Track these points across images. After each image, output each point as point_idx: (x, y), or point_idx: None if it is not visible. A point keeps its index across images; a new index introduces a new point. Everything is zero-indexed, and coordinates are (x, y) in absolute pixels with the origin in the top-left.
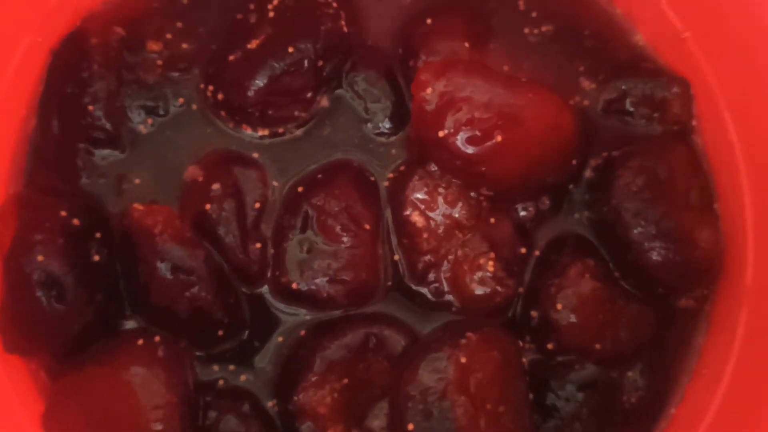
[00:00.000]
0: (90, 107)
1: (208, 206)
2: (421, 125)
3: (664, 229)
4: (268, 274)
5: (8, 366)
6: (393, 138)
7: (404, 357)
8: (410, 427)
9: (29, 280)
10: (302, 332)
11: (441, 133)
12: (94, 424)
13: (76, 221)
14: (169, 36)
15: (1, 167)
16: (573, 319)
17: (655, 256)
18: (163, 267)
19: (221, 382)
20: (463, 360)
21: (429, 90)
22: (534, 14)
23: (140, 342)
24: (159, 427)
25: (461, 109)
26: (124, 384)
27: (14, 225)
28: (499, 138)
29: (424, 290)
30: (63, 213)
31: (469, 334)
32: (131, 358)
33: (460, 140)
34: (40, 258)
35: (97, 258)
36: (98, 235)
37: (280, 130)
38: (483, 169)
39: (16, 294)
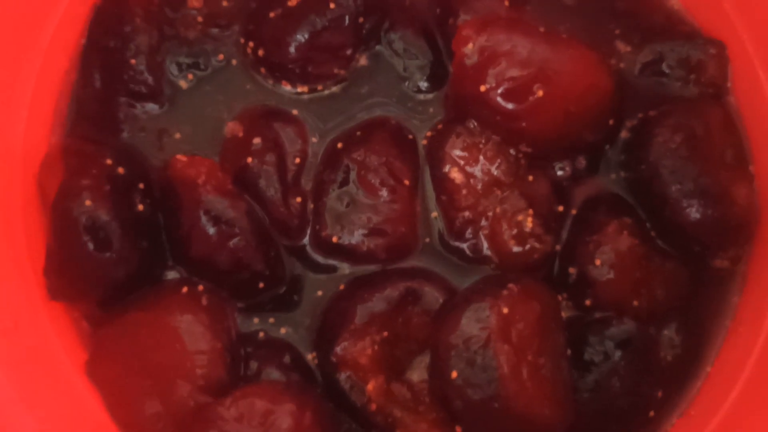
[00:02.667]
0: (132, 61)
1: (249, 159)
2: (461, 81)
3: (702, 185)
4: (308, 228)
5: (51, 314)
6: (431, 96)
7: (444, 308)
8: (453, 374)
9: (76, 225)
10: (342, 286)
11: (482, 88)
12: (138, 370)
13: (121, 170)
14: None
15: (44, 120)
16: (611, 275)
17: (692, 213)
18: (205, 218)
19: (261, 334)
20: (505, 310)
21: (470, 45)
22: None
23: (184, 290)
24: (204, 371)
25: (502, 64)
26: (170, 329)
27: (60, 173)
28: (540, 93)
29: (463, 246)
30: (108, 161)
31: (510, 285)
32: (177, 305)
33: (501, 95)
34: (87, 203)
35: (140, 207)
36: (141, 185)
37: (319, 87)
38: (523, 124)
39: (62, 240)
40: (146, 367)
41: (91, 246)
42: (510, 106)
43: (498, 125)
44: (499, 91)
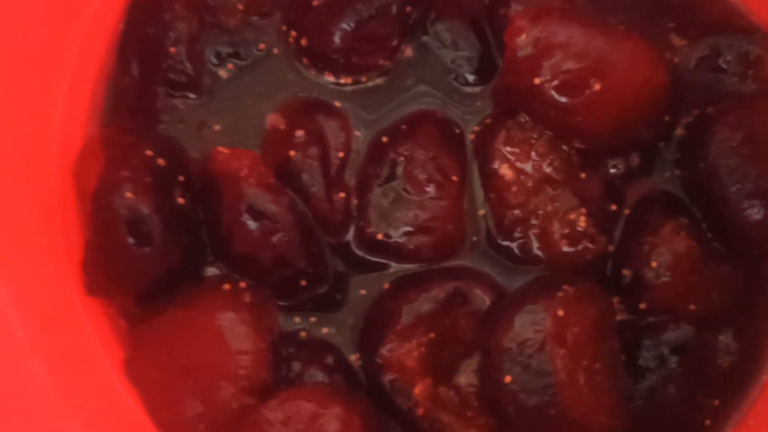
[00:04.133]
0: (171, 49)
1: (292, 153)
2: (513, 73)
3: (763, 186)
4: (352, 225)
5: (89, 310)
6: (478, 89)
7: (495, 309)
8: (507, 379)
9: (117, 218)
10: (386, 285)
11: (536, 81)
12: (178, 370)
13: (161, 161)
14: None
15: (79, 109)
16: (667, 278)
17: (754, 214)
18: (246, 212)
19: (303, 333)
20: (561, 313)
21: (523, 36)
22: None
23: (226, 287)
24: (247, 372)
25: (557, 56)
26: (212, 328)
27: (99, 164)
28: (597, 87)
29: (512, 245)
30: (149, 152)
31: (565, 287)
32: (218, 303)
33: (555, 88)
34: (128, 195)
35: (181, 201)
36: (181, 178)
37: (363, 79)
38: (577, 119)
39: (103, 233)
40: (187, 367)
41: (131, 240)
42: (564, 99)
43: (551, 120)
44: (554, 84)
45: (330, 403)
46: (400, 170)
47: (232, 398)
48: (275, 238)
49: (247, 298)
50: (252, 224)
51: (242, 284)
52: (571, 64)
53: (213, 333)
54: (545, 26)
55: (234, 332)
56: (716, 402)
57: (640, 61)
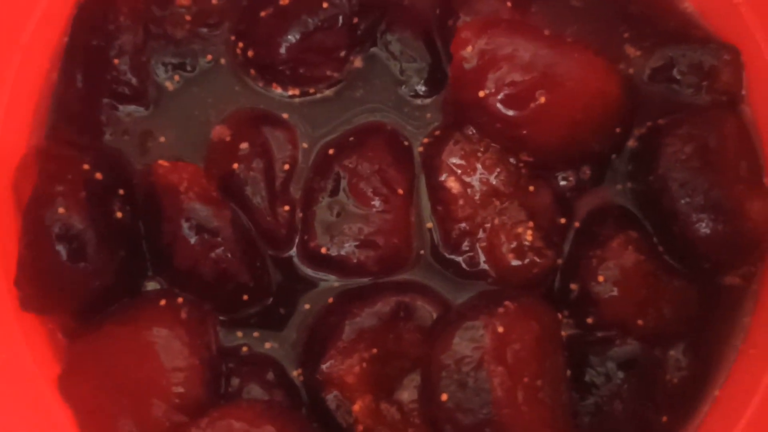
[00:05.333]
0: (115, 61)
1: (235, 165)
2: (460, 86)
3: (713, 199)
4: (296, 239)
5: (24, 325)
6: (428, 101)
7: (437, 326)
8: (443, 397)
9: (49, 234)
10: (330, 299)
11: (481, 93)
12: (112, 386)
13: (98, 175)
14: None
15: (22, 121)
16: (615, 292)
17: (702, 228)
18: (187, 226)
19: (245, 348)
20: (501, 329)
21: (469, 48)
22: None
23: (162, 303)
24: (180, 390)
25: (503, 68)
26: (145, 345)
27: (35, 178)
28: (542, 99)
29: (459, 259)
30: (86, 166)
31: (506, 302)
32: (153, 319)
33: (500, 101)
34: (61, 210)
35: (119, 215)
36: (121, 191)
37: (311, 90)
38: (524, 132)
39: (34, 248)
40: (121, 384)
41: (64, 255)
42: (510, 112)
43: (498, 133)
44: (499, 96)
45: (261, 422)
46: (344, 183)
47: (163, 416)
48: (216, 253)
49: (183, 314)
50: (192, 238)
51: (180, 299)
52: (516, 77)
53: (147, 349)
54: (491, 38)
55: (167, 349)
56: (665, 418)
57: (589, 73)
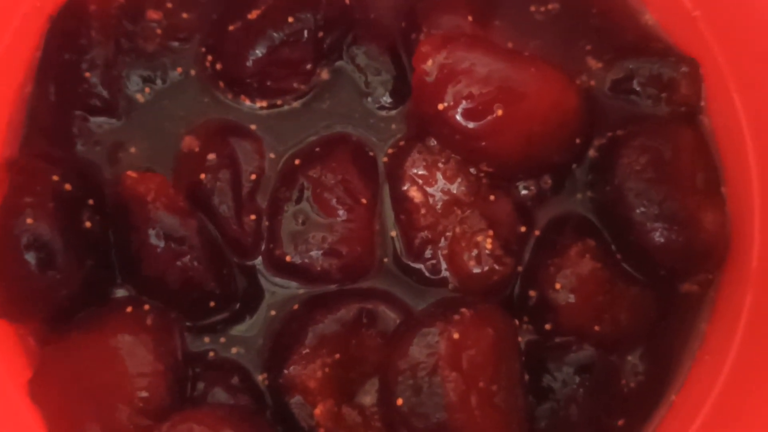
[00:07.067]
0: (87, 74)
1: (202, 176)
2: (421, 98)
3: (667, 210)
4: (262, 247)
5: None
6: (393, 112)
7: (397, 332)
8: (399, 401)
9: (17, 244)
10: (295, 306)
11: (440, 106)
12: (80, 391)
13: (68, 186)
14: (169, 5)
15: None
16: (572, 299)
17: (657, 238)
18: (154, 235)
19: (211, 353)
20: (456, 336)
21: (429, 62)
22: None
23: (129, 309)
24: (145, 395)
25: (461, 82)
26: (111, 351)
27: (4, 189)
28: (499, 112)
29: (421, 267)
30: (55, 177)
31: (463, 309)
32: (119, 325)
33: (459, 113)
34: (29, 221)
35: (88, 225)
36: (91, 202)
37: (279, 102)
38: (483, 144)
39: (4, 258)
40: (89, 390)
41: (32, 265)
42: (469, 125)
43: (458, 144)
44: (458, 109)
45: (222, 426)
46: (308, 193)
47: (128, 420)
48: (182, 261)
49: (149, 321)
50: (159, 247)
51: (146, 307)
52: (474, 90)
53: (113, 355)
54: (450, 52)
55: (133, 355)
56: (621, 422)
57: (546, 85)
